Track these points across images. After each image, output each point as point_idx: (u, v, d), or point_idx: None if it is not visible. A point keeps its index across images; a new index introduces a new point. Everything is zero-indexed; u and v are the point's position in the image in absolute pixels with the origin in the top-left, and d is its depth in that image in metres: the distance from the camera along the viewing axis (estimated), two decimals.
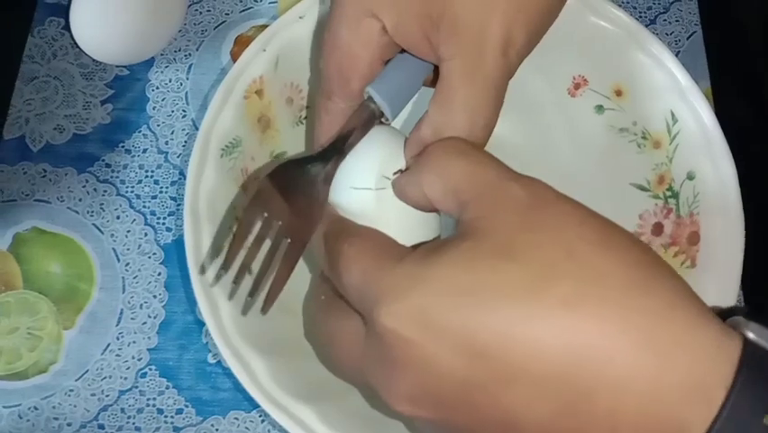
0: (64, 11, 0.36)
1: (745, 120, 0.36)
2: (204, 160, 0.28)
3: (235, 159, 0.29)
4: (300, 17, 0.30)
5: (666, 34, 0.37)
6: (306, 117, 0.32)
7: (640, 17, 0.37)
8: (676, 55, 0.30)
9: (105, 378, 0.32)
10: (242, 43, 0.37)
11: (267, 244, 0.23)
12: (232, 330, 0.26)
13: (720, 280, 0.26)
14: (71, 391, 0.32)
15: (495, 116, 0.23)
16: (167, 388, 0.32)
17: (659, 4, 0.38)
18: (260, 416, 0.31)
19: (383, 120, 0.25)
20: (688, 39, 0.37)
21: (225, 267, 0.23)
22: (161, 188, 0.35)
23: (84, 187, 0.35)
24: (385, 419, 0.27)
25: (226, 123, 0.28)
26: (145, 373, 0.32)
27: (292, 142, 0.31)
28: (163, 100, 0.36)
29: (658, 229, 0.29)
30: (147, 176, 0.35)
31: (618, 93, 0.31)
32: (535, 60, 0.32)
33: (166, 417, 0.31)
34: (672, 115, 0.29)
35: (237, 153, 0.29)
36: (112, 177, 0.35)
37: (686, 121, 0.28)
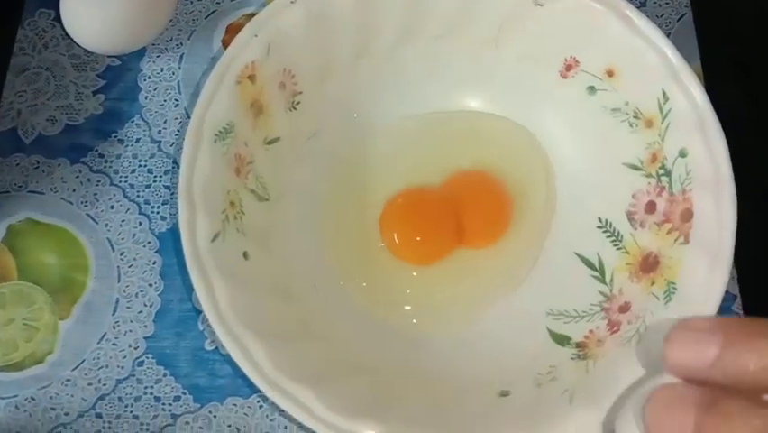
0: (54, 2, 0.36)
1: (733, 100, 0.36)
2: (198, 145, 0.28)
3: (228, 144, 0.29)
4: (291, 2, 0.30)
5: (657, 16, 0.37)
6: (299, 103, 0.32)
7: None
8: (667, 36, 0.30)
9: (101, 367, 0.32)
10: (233, 32, 0.37)
11: None
12: (229, 314, 0.26)
13: (713, 254, 0.26)
14: (68, 380, 0.32)
15: None
16: (164, 376, 0.32)
17: None
18: (258, 401, 0.31)
19: None
20: (678, 21, 0.37)
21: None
22: (155, 177, 0.35)
23: (77, 177, 0.35)
24: (385, 401, 0.27)
25: (219, 108, 0.28)
26: (142, 362, 0.32)
27: (285, 128, 0.31)
28: (155, 90, 0.36)
29: (651, 207, 0.30)
30: (140, 165, 0.35)
31: (610, 73, 0.31)
32: (527, 44, 0.32)
33: (164, 404, 0.31)
34: (664, 93, 0.29)
35: (230, 139, 0.29)
36: (105, 167, 0.35)
37: (677, 99, 0.28)
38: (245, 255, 0.28)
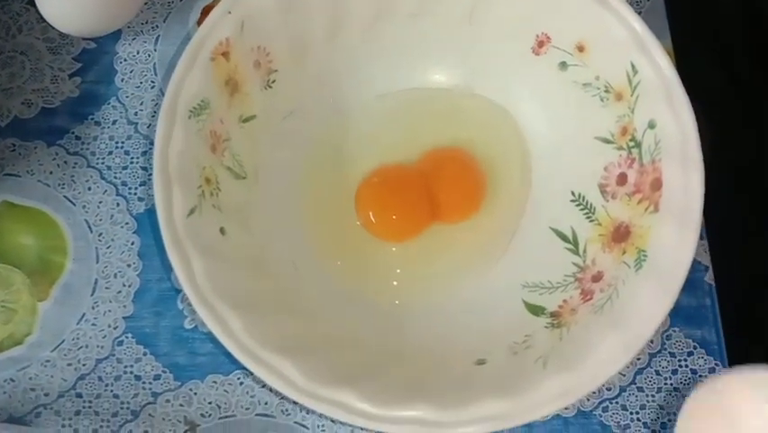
0: None
1: (704, 76, 0.37)
2: (172, 121, 0.28)
3: (203, 120, 0.29)
4: None
5: None
6: (274, 81, 0.32)
7: None
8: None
9: (81, 347, 0.32)
10: (208, 13, 0.36)
11: None
12: (205, 286, 0.26)
13: (682, 220, 0.27)
14: (47, 361, 0.32)
15: None
16: (144, 355, 0.32)
17: None
18: (238, 378, 0.31)
19: None
20: (648, 0, 0.38)
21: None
22: (132, 158, 0.35)
23: (54, 159, 0.35)
24: (363, 370, 0.27)
25: (193, 84, 0.28)
26: (122, 342, 0.32)
27: (261, 106, 0.32)
28: (131, 72, 0.36)
29: (622, 179, 0.30)
30: (117, 147, 0.35)
31: (581, 49, 0.31)
32: (499, 21, 0.33)
33: (144, 383, 0.31)
34: (633, 66, 0.29)
35: (205, 115, 0.29)
36: (82, 149, 0.35)
37: (646, 71, 0.29)
38: (222, 231, 0.29)
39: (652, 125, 0.29)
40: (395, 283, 0.32)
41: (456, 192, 0.32)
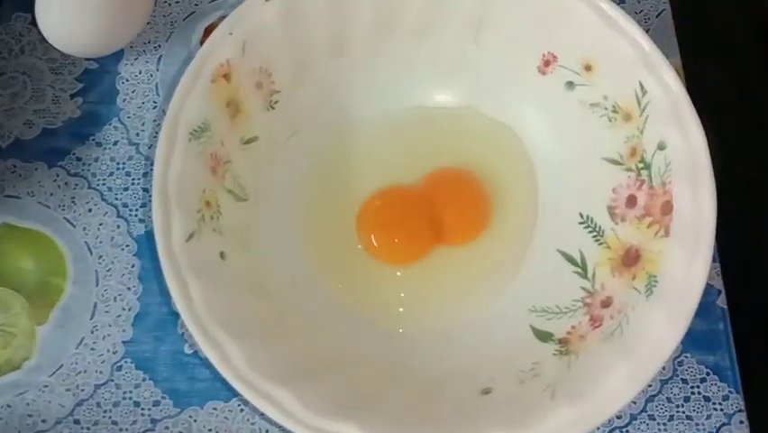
0: (30, 6, 0.36)
1: (715, 93, 0.36)
2: (172, 143, 0.27)
3: (204, 143, 0.28)
4: (266, 0, 0.30)
5: (635, 12, 0.37)
6: (276, 102, 0.32)
7: None
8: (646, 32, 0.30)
9: (79, 372, 0.31)
10: (211, 33, 0.36)
11: None
12: (203, 314, 0.26)
13: (694, 246, 0.26)
14: (45, 386, 0.31)
15: None
16: (143, 380, 0.31)
17: None
18: (238, 405, 0.31)
19: None
20: (657, 17, 0.37)
21: None
22: (133, 179, 0.34)
23: (55, 181, 0.34)
24: (364, 399, 0.26)
25: (194, 106, 0.28)
26: (121, 366, 0.31)
27: (263, 128, 0.31)
28: (133, 92, 0.36)
29: (632, 202, 0.29)
30: (118, 168, 0.34)
31: (588, 68, 0.31)
32: (504, 40, 0.32)
33: (143, 409, 0.31)
34: (641, 86, 0.29)
35: (206, 138, 0.28)
36: (83, 170, 0.34)
37: (655, 91, 0.28)
38: (222, 255, 0.28)
39: (662, 147, 0.28)
40: (400, 310, 0.31)
41: (461, 214, 0.32)
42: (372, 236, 0.31)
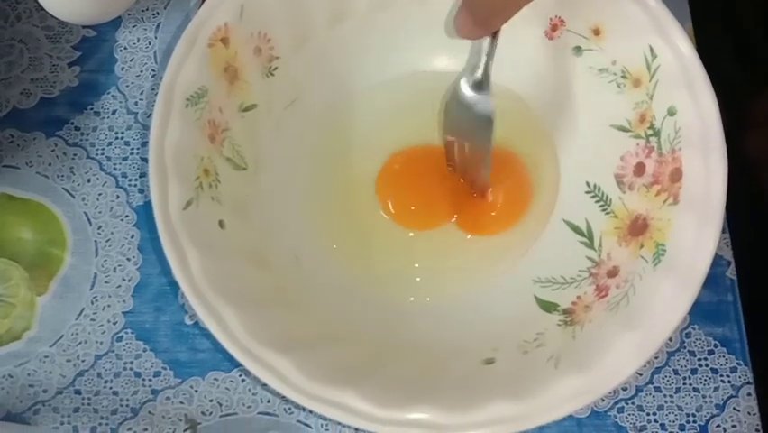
0: None
1: (727, 60, 0.35)
2: (168, 110, 0.27)
3: (201, 109, 0.28)
4: None
5: None
6: (276, 69, 0.31)
7: None
8: None
9: (80, 343, 0.31)
10: None
11: None
12: (201, 281, 0.25)
13: (703, 213, 0.25)
14: (46, 357, 0.31)
15: None
16: (144, 351, 0.31)
17: None
18: (240, 375, 0.31)
19: None
20: None
21: None
22: (132, 149, 0.34)
23: (53, 151, 0.34)
24: (365, 369, 0.26)
25: (191, 71, 0.27)
26: (121, 337, 0.31)
27: (262, 95, 0.30)
28: (131, 60, 0.35)
29: (640, 169, 0.29)
30: (117, 137, 0.34)
31: (596, 32, 0.30)
32: None
33: (143, 380, 0.31)
34: (651, 50, 0.28)
35: (203, 104, 0.28)
36: (81, 140, 0.34)
37: (665, 55, 0.28)
38: (221, 224, 0.28)
39: (671, 112, 0.27)
40: (417, 279, 0.30)
41: (492, 210, 0.31)
42: (390, 200, 0.31)
